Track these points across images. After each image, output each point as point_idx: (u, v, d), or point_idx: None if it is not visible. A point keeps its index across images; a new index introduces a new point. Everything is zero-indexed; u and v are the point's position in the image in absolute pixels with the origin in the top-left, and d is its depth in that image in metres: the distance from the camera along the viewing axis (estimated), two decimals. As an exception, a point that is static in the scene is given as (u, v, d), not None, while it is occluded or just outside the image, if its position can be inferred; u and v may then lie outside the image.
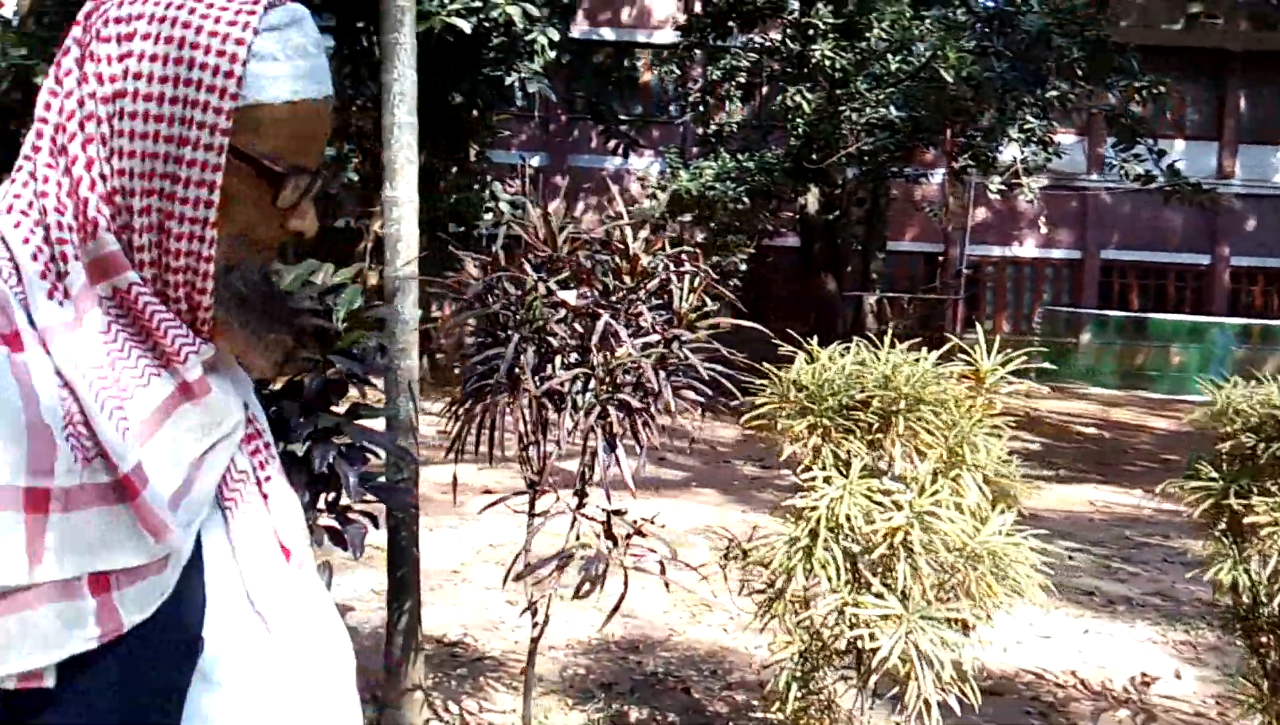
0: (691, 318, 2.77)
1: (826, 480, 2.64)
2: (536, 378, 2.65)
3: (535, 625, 3.00)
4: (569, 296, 2.66)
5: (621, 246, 2.71)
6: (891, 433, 2.64)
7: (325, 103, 0.89)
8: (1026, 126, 10.36)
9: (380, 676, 3.76)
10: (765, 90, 16.93)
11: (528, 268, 2.71)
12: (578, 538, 2.80)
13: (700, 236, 15.18)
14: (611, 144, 17.55)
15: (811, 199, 15.36)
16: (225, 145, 0.83)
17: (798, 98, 12.40)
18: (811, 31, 12.69)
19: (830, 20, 13.03)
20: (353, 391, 3.26)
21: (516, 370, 2.65)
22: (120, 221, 0.84)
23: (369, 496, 3.15)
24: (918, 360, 2.72)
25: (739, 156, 13.32)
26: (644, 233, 2.75)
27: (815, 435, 2.65)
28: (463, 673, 4.33)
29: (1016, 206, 21.17)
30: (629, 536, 2.73)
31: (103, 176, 0.83)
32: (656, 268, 2.74)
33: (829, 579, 2.60)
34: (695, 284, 2.82)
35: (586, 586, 2.67)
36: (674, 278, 2.82)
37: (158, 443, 0.84)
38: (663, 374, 2.65)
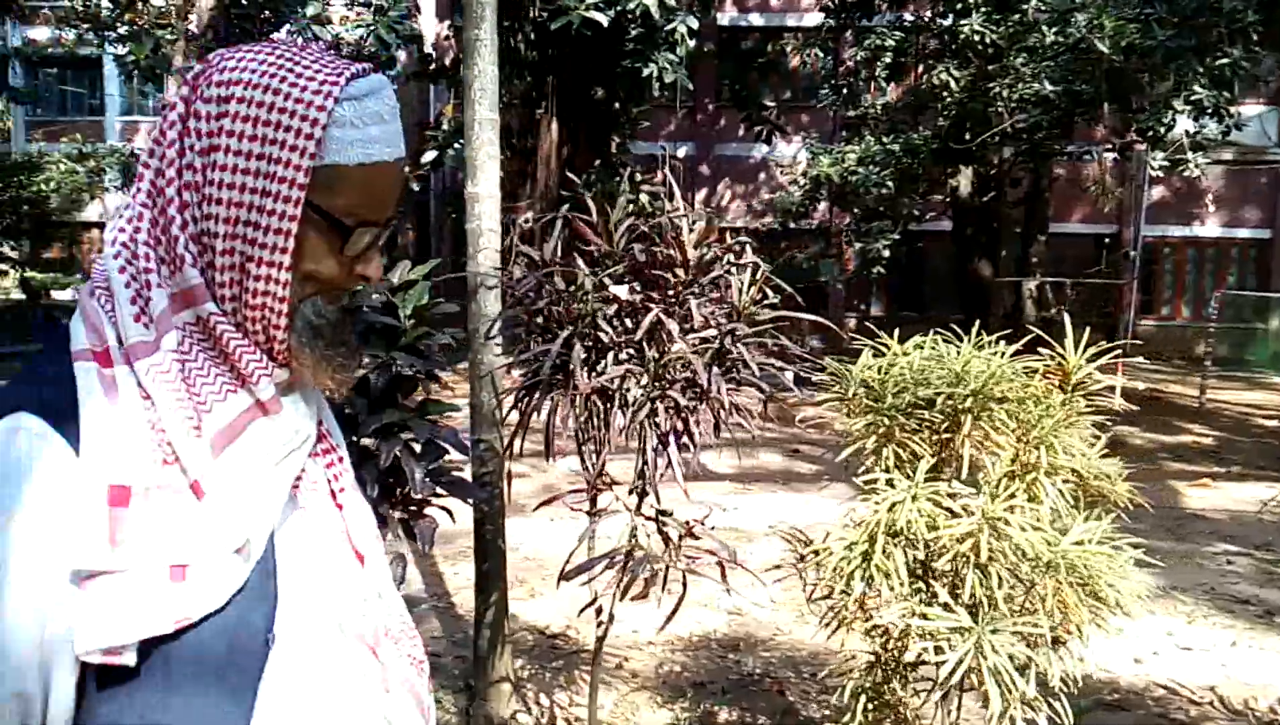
0: (750, 311, 2.66)
1: (889, 483, 2.49)
2: (589, 374, 2.60)
3: (600, 625, 2.95)
4: (620, 291, 2.60)
5: (674, 239, 2.63)
6: (961, 433, 2.46)
7: (396, 165, 0.98)
8: (1194, 98, 9.55)
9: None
10: (920, 70, 16.33)
11: (579, 262, 2.66)
12: (633, 538, 2.74)
13: (845, 222, 14.81)
14: (756, 131, 17.28)
15: (964, 181, 14.73)
16: (302, 199, 0.93)
17: (945, 75, 11.87)
18: (961, 5, 12.13)
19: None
20: (444, 389, 3.31)
21: (571, 367, 2.61)
22: (206, 259, 0.94)
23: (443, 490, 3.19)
24: (994, 355, 2.53)
25: (884, 139, 12.87)
26: (700, 224, 2.66)
27: (875, 435, 2.50)
28: (559, 665, 4.34)
29: (1198, 184, 19.73)
30: (682, 537, 2.65)
31: (194, 219, 0.94)
32: (711, 260, 2.64)
33: (890, 588, 2.45)
34: (756, 277, 2.70)
35: (637, 588, 2.61)
36: (734, 271, 2.72)
37: (233, 451, 0.94)
38: (715, 370, 2.56)
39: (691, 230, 2.66)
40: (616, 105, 15.14)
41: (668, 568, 2.73)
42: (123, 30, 20.12)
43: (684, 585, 2.74)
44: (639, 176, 15.63)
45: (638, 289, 2.60)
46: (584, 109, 14.88)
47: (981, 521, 2.40)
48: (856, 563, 2.46)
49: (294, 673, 0.97)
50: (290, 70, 0.93)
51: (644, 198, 15.39)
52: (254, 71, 0.93)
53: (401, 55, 18.78)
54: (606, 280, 2.66)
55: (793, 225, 16.02)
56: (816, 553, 2.75)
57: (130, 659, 0.88)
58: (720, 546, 2.69)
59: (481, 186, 3.60)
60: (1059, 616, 2.55)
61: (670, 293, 2.66)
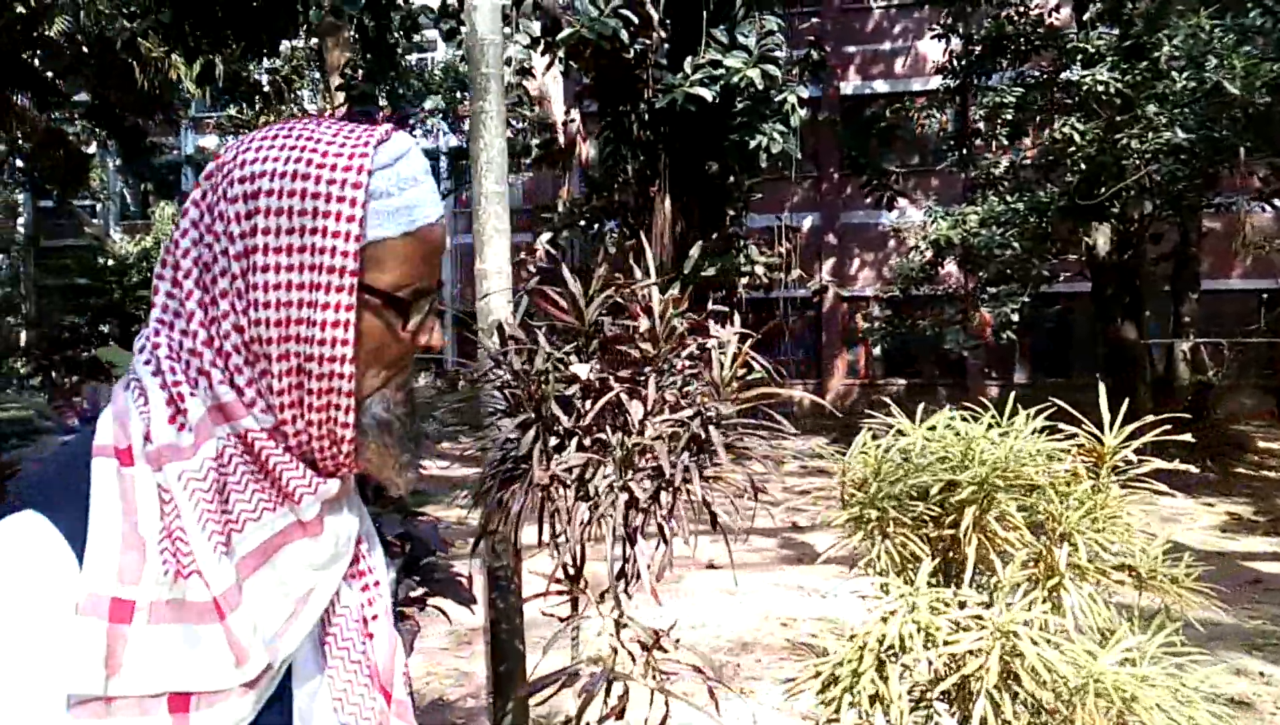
0: (732, 388, 2.36)
1: (883, 588, 2.12)
2: (549, 461, 2.34)
3: (588, 743, 2.64)
4: (581, 370, 2.35)
5: (643, 309, 2.36)
6: (964, 528, 2.08)
7: (438, 223, 0.91)
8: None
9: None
10: (1045, 125, 15.61)
11: (541, 338, 2.42)
12: (613, 650, 2.44)
13: (970, 286, 14.13)
14: (876, 197, 16.81)
15: (1101, 239, 13.86)
16: (355, 285, 0.85)
17: (1068, 129, 11.24)
18: (1081, 56, 11.52)
19: (1111, 42, 11.79)
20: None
21: (527, 453, 2.36)
22: (259, 367, 0.86)
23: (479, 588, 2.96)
24: (1004, 434, 2.14)
25: (1007, 199, 12.25)
26: (671, 293, 2.39)
27: (863, 530, 2.14)
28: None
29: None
30: (650, 649, 2.33)
31: (236, 328, 0.86)
32: (683, 333, 2.36)
33: (886, 718, 2.07)
34: (739, 350, 2.40)
35: (600, 710, 2.30)
36: (716, 344, 2.43)
37: (264, 575, 0.86)
38: (686, 457, 2.26)
39: (661, 300, 2.39)
40: (731, 179, 15.02)
41: (629, 689, 2.41)
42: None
43: (665, 706, 2.41)
44: (757, 248, 15.40)
45: (597, 368, 2.34)
46: (696, 184, 14.81)
47: (994, 635, 2.01)
48: (846, 683, 2.10)
49: None
50: (314, 149, 0.86)
51: (760, 269, 15.17)
52: (277, 159, 0.85)
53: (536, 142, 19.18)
54: (573, 358, 2.42)
55: (916, 291, 15.40)
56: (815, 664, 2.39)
57: None
58: (702, 661, 2.35)
59: (489, 262, 3.42)
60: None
61: (643, 371, 2.39)
